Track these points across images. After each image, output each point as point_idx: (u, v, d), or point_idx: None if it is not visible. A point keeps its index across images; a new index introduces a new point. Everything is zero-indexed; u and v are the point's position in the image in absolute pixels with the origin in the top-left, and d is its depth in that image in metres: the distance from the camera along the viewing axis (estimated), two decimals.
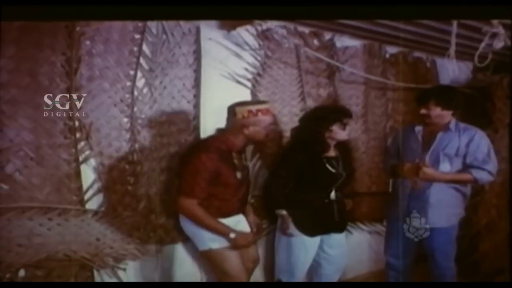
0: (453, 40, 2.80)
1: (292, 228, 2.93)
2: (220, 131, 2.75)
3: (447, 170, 2.97)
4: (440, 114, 2.95)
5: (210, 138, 2.76)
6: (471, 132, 2.98)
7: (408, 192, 3.07)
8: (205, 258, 2.86)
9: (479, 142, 2.95)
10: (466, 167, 2.97)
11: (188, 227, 2.73)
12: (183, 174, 2.65)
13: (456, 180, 3.00)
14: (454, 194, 3.05)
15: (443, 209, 3.00)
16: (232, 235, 2.63)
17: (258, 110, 2.62)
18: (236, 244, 2.67)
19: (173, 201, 2.71)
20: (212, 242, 2.67)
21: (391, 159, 3.32)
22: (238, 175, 2.70)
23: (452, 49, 2.81)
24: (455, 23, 2.73)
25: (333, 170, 2.95)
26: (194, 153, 2.62)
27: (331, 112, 2.97)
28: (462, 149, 2.95)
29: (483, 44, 2.86)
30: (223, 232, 2.64)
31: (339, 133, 2.92)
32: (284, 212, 2.94)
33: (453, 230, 3.10)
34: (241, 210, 2.89)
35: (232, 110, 2.66)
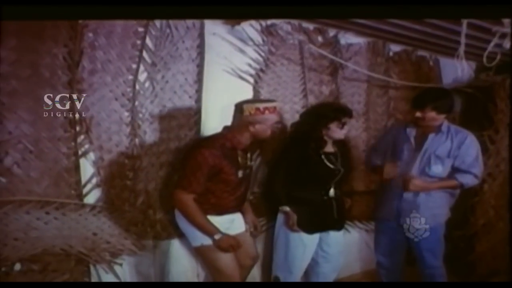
0: (463, 40, 2.78)
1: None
2: (226, 128, 2.73)
3: (439, 171, 2.97)
4: (434, 117, 2.93)
5: (215, 135, 2.72)
6: (463, 134, 2.98)
7: (397, 192, 3.05)
8: (198, 254, 2.87)
9: (470, 145, 2.96)
10: (453, 170, 2.98)
11: (182, 222, 2.72)
12: (183, 168, 2.63)
13: (443, 186, 3.02)
14: (442, 195, 3.06)
15: (430, 209, 3.00)
16: (216, 237, 2.61)
17: (265, 108, 2.59)
18: (218, 246, 2.64)
19: (171, 194, 2.69)
20: (203, 238, 2.66)
21: (378, 157, 3.31)
22: (240, 173, 2.68)
23: (462, 49, 2.79)
24: (464, 23, 2.70)
25: (331, 166, 2.94)
26: (197, 149, 2.59)
27: (331, 110, 2.95)
28: (454, 151, 2.95)
29: (492, 44, 2.83)
30: (210, 231, 2.62)
31: (336, 131, 2.91)
32: (287, 208, 2.93)
33: (440, 229, 3.10)
34: (237, 209, 2.87)
35: (239, 107, 2.64)
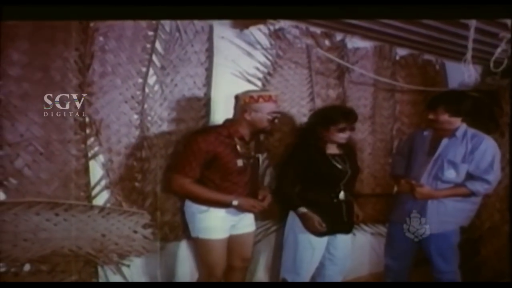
0: (470, 45, 2.78)
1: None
2: (227, 120, 2.78)
3: (452, 177, 2.95)
4: (447, 120, 2.92)
5: (213, 125, 2.85)
6: (479, 139, 2.94)
7: (409, 195, 3.04)
8: (193, 244, 2.92)
9: (485, 150, 2.90)
10: (467, 176, 2.95)
11: (187, 212, 2.78)
12: (179, 154, 2.71)
13: (452, 194, 2.98)
14: (455, 203, 3.01)
15: (439, 215, 2.99)
16: (235, 202, 2.64)
17: (259, 96, 2.64)
18: (241, 209, 2.70)
19: (167, 179, 2.75)
20: (200, 232, 2.71)
21: (400, 165, 3.32)
22: (239, 162, 2.67)
23: (469, 54, 2.80)
24: (472, 28, 2.70)
25: (338, 166, 2.94)
26: (192, 136, 2.67)
27: (334, 113, 2.96)
28: (468, 156, 2.92)
29: (499, 50, 2.83)
30: (224, 201, 2.66)
31: (335, 135, 2.91)
32: (305, 209, 2.92)
33: (451, 236, 3.07)
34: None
35: (237, 97, 2.72)
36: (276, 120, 2.74)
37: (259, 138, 2.93)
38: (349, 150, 3.10)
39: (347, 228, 3.09)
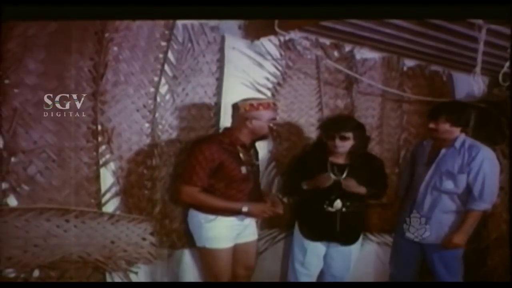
0: (480, 58, 2.79)
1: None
2: (226, 128, 2.82)
3: (451, 187, 2.91)
4: (448, 130, 2.90)
5: (214, 133, 2.87)
6: (476, 150, 2.88)
7: (413, 206, 3.05)
8: (199, 254, 2.90)
9: (482, 161, 2.85)
10: (467, 190, 2.90)
11: (192, 222, 2.77)
12: (184, 164, 2.70)
13: (472, 223, 2.91)
14: (456, 215, 2.97)
15: (444, 226, 2.96)
16: (244, 209, 2.65)
17: (259, 104, 2.67)
18: (252, 215, 2.74)
19: (175, 189, 2.75)
20: (207, 241, 2.70)
21: (404, 172, 3.34)
22: (243, 169, 2.69)
23: (478, 68, 2.80)
24: (482, 42, 2.70)
25: (331, 175, 2.87)
26: (195, 145, 2.67)
27: (322, 123, 3.11)
28: (465, 167, 2.88)
29: (507, 64, 2.84)
30: (234, 208, 2.66)
31: (329, 143, 2.89)
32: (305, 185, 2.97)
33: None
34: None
35: (236, 105, 2.73)
36: (274, 127, 2.81)
37: (256, 145, 2.95)
38: (358, 160, 2.97)
39: (341, 238, 2.97)
